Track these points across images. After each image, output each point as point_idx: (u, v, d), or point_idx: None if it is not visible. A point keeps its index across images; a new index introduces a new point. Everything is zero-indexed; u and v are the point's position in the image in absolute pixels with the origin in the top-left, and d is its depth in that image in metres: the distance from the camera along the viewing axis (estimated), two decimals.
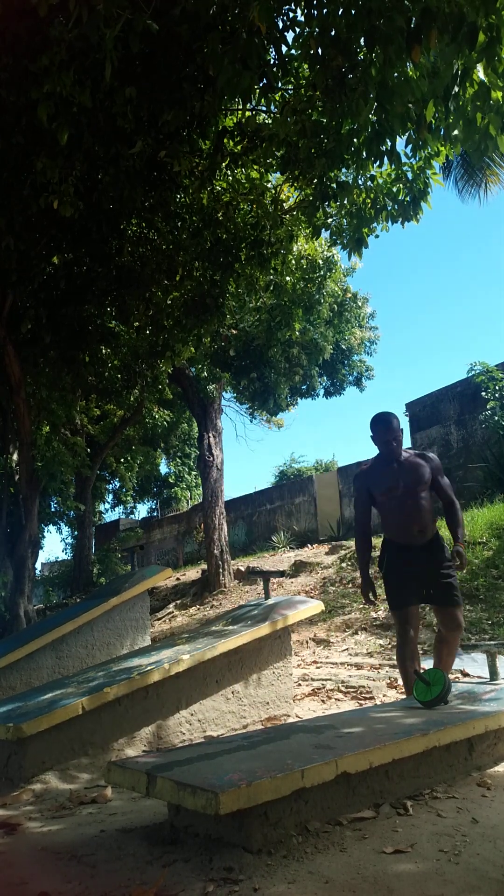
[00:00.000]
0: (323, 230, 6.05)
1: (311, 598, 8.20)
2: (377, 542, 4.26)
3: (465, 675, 5.03)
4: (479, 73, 3.67)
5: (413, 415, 13.97)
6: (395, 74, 3.78)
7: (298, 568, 11.22)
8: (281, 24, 4.08)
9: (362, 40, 3.58)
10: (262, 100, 5.24)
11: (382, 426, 3.80)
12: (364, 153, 4.52)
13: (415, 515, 3.71)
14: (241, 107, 5.88)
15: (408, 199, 5.52)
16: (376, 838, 2.14)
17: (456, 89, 3.76)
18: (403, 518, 3.74)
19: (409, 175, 5.43)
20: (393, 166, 5.02)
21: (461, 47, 3.27)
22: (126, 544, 22.62)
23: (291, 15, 4.14)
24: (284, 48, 4.38)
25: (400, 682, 5.17)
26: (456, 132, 4.15)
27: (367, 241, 5.69)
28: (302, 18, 4.05)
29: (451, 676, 4.10)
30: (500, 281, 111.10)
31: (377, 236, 5.82)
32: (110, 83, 4.02)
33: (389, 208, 5.59)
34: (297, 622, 4.89)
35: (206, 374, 11.97)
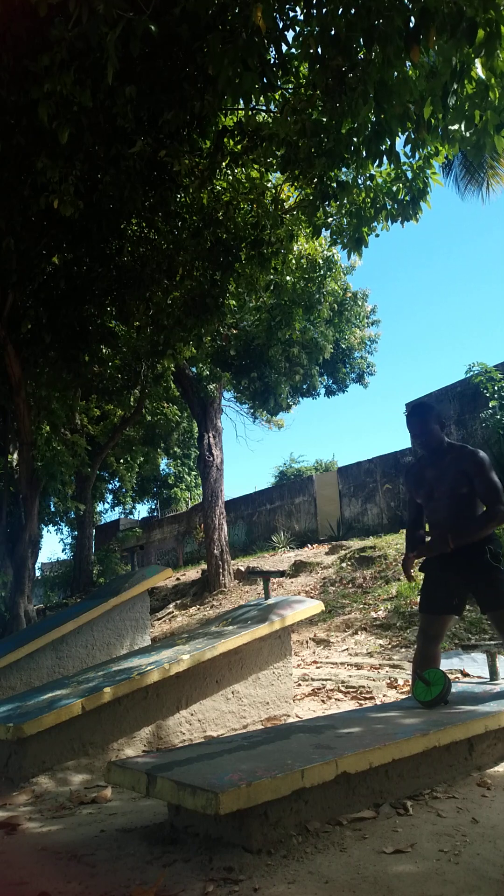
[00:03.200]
0: (323, 229, 6.05)
1: (311, 598, 8.21)
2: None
3: (465, 675, 5.03)
4: (478, 70, 3.67)
5: None
6: (395, 74, 3.78)
7: (298, 568, 11.23)
8: (281, 24, 4.07)
9: (362, 40, 3.58)
10: (262, 99, 5.24)
11: (409, 420, 3.46)
12: (364, 152, 4.52)
13: (444, 524, 3.31)
14: (241, 106, 5.88)
15: (407, 198, 5.53)
16: (376, 838, 2.14)
17: (455, 86, 3.75)
18: (433, 526, 3.40)
19: (409, 175, 5.44)
20: (392, 166, 5.02)
21: (460, 43, 3.27)
22: (126, 544, 22.63)
23: (291, 14, 4.14)
24: (284, 48, 4.38)
25: (401, 682, 5.17)
26: (456, 126, 4.14)
27: (366, 240, 5.69)
28: (302, 18, 4.05)
29: (450, 676, 4.10)
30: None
31: (377, 235, 5.83)
32: (111, 83, 4.02)
33: (389, 208, 5.59)
34: (297, 622, 4.89)
35: (206, 373, 11.97)
